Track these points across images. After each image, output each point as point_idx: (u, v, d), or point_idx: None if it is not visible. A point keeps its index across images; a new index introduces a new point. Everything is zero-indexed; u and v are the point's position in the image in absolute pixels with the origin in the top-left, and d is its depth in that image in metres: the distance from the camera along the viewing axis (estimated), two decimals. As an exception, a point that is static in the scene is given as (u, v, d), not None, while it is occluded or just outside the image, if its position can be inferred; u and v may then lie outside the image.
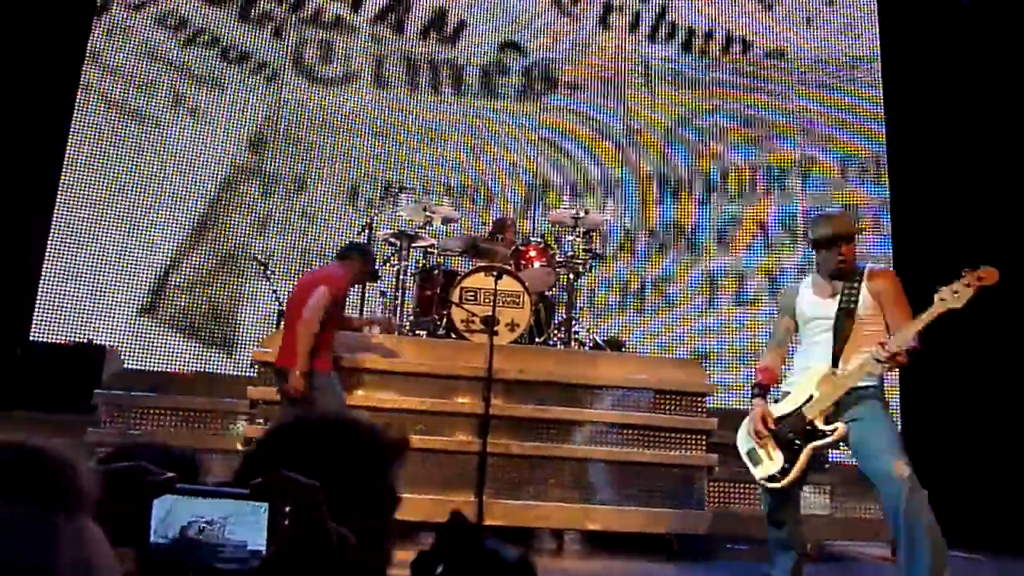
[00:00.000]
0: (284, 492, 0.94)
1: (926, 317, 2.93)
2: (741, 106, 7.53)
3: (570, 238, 5.78)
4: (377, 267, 4.95)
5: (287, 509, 0.93)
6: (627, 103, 7.52)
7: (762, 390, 3.30)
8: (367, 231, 5.83)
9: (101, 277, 6.49)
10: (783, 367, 3.42)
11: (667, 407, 4.84)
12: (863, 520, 5.06)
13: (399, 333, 5.27)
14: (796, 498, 3.24)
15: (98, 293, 6.45)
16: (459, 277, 5.19)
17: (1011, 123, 6.71)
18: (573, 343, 5.48)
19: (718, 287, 7.19)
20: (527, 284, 5.14)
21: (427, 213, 5.44)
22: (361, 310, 5.77)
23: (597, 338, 5.57)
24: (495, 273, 4.82)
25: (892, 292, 3.17)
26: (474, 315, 4.97)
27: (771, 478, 3.11)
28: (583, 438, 4.66)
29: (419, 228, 5.60)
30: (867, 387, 3.09)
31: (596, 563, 4.00)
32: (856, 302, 3.15)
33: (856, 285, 3.18)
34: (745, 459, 3.23)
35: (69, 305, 6.36)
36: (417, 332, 5.35)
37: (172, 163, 6.80)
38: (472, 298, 5.09)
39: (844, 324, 3.14)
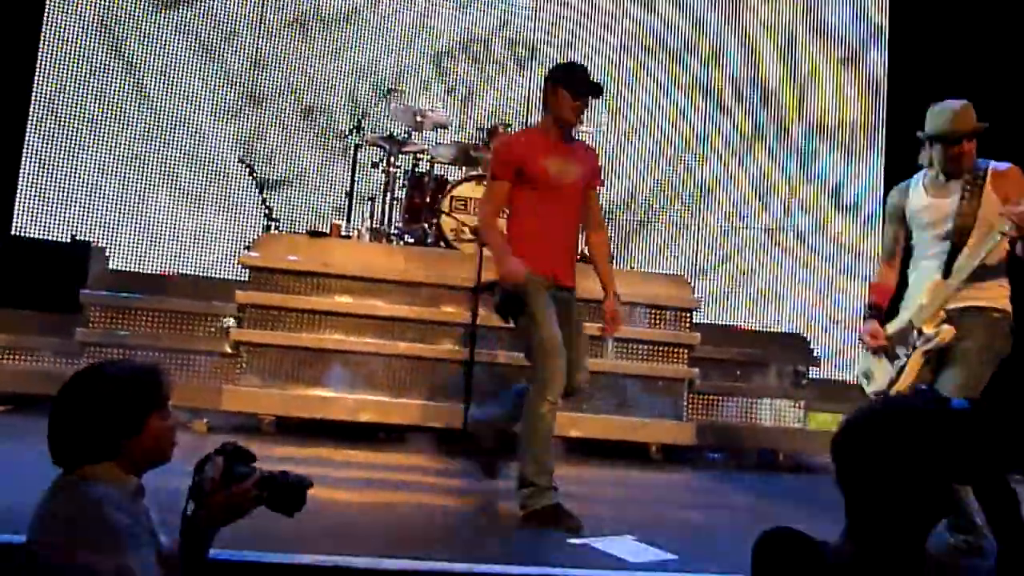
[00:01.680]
0: None
1: None
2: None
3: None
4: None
5: None
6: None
7: (875, 310, 3.18)
8: (355, 132, 5.80)
9: (84, 172, 6.44)
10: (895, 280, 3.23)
11: (654, 321, 5.00)
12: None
13: (387, 240, 5.33)
14: None
15: (81, 189, 6.42)
16: (450, 185, 5.20)
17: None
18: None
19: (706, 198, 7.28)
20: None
21: (418, 118, 5.40)
22: (349, 216, 5.80)
23: (587, 251, 5.60)
24: (484, 182, 4.80)
25: (1021, 187, 2.88)
26: (464, 224, 5.01)
27: (878, 393, 3.05)
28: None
29: (409, 132, 5.56)
30: (986, 308, 2.90)
31: (581, 469, 4.24)
32: (979, 204, 2.90)
33: (980, 184, 2.92)
34: (861, 379, 3.19)
35: (53, 199, 6.33)
36: (406, 239, 5.40)
37: (151, 60, 6.64)
38: (463, 207, 5.12)
39: (964, 230, 2.91)
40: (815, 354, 5.86)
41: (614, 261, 4.58)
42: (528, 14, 7.19)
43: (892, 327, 3.12)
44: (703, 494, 4.22)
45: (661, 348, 4.93)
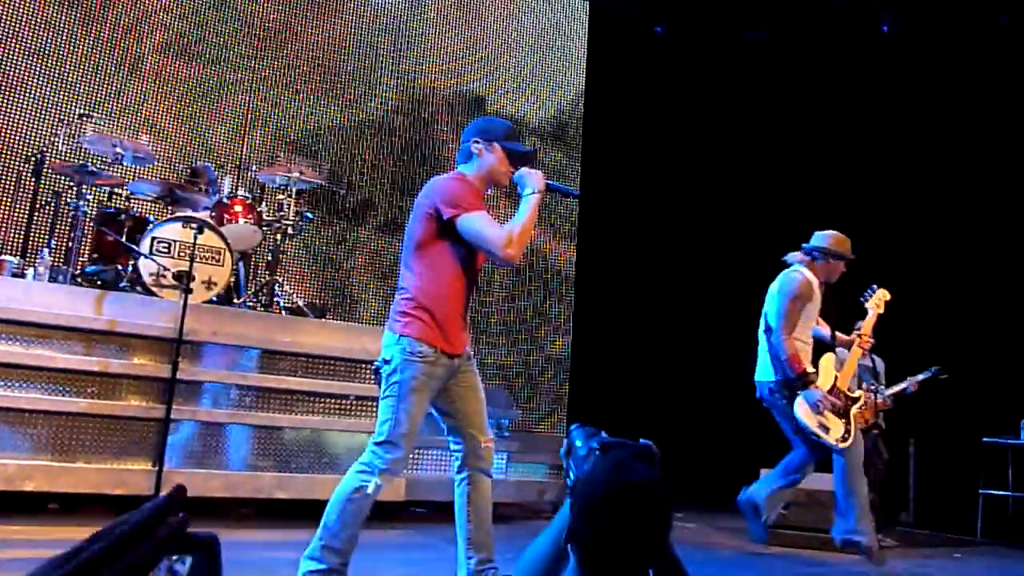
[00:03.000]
0: None
1: (869, 322, 4.55)
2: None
3: (281, 197, 5.74)
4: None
5: None
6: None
7: (813, 377, 4.27)
8: (37, 161, 5.20)
9: None
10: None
11: (363, 375, 5.07)
12: (534, 483, 5.83)
13: (69, 281, 4.82)
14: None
15: None
16: (152, 225, 4.89)
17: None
18: (274, 307, 5.47)
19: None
20: (229, 241, 5.01)
21: (117, 149, 5.00)
22: (24, 251, 5.14)
23: (299, 302, 5.59)
24: (195, 225, 4.62)
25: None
26: (166, 269, 4.74)
27: (842, 439, 4.22)
28: (277, 405, 4.70)
29: (105, 164, 5.14)
30: None
31: (287, 532, 4.12)
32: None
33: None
34: (817, 431, 4.21)
35: None
36: (94, 281, 4.93)
37: None
38: (166, 250, 4.84)
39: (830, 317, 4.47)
40: (514, 406, 6.37)
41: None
42: (237, 37, 7.04)
43: (826, 387, 4.35)
44: (418, 550, 4.31)
45: (364, 402, 4.98)
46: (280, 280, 5.63)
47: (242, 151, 5.94)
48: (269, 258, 5.76)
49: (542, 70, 8.49)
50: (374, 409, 4.95)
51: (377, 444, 2.77)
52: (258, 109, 6.85)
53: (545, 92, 8.46)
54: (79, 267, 4.98)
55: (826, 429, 4.25)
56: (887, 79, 8.26)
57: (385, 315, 7.06)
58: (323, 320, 5.45)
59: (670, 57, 8.93)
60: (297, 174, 5.61)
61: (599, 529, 1.29)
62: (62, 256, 5.08)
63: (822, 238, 4.52)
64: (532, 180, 2.89)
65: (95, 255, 5.00)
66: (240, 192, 5.58)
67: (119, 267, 4.90)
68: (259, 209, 5.54)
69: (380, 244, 7.41)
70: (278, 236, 5.65)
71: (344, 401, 4.93)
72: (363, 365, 5.00)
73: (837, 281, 4.57)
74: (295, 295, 5.68)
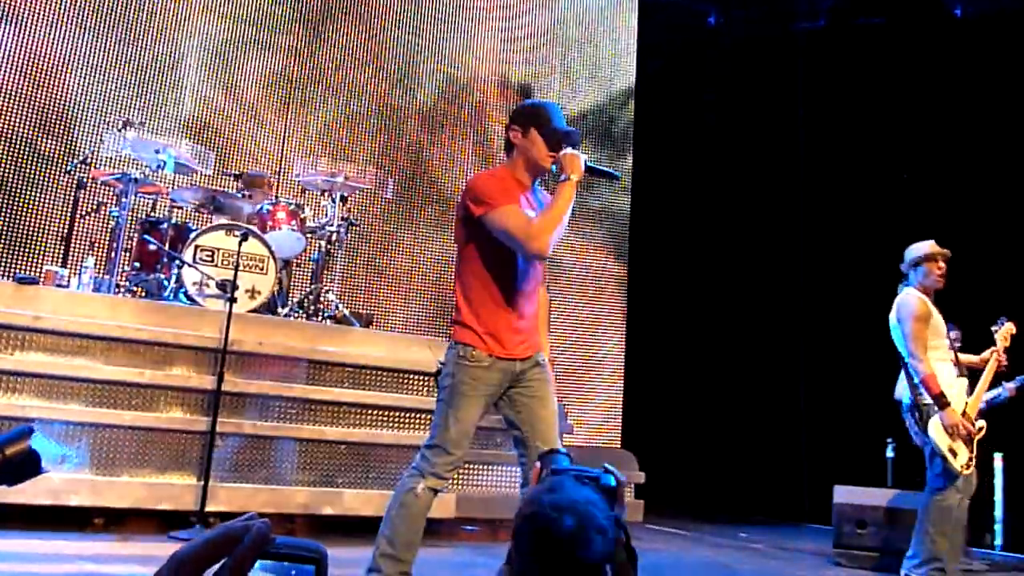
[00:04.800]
0: None
1: (1000, 347, 4.50)
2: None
3: (324, 202, 5.75)
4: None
5: None
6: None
7: (945, 399, 4.21)
8: (80, 169, 5.29)
9: None
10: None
11: (414, 387, 5.04)
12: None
13: (111, 291, 4.89)
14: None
15: None
16: (195, 233, 4.93)
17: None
18: (319, 317, 5.47)
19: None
20: (273, 249, 5.03)
21: (159, 156, 5.06)
22: (65, 261, 5.23)
23: (345, 311, 5.59)
24: (239, 233, 4.64)
25: None
26: (210, 277, 4.77)
27: (967, 464, 4.23)
28: (322, 418, 4.69)
29: (147, 171, 5.22)
30: None
31: (337, 549, 4.08)
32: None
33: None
34: (947, 454, 4.21)
35: None
36: (136, 291, 5.01)
37: None
38: (208, 259, 4.87)
39: (950, 346, 4.38)
40: (568, 420, 6.26)
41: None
42: (293, 50, 7.11)
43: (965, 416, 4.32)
44: (470, 569, 4.25)
45: (412, 414, 4.94)
46: (325, 288, 5.64)
47: (282, 154, 5.97)
48: (313, 266, 5.78)
49: (589, 61, 8.39)
50: (422, 421, 4.96)
51: (426, 447, 2.82)
52: (299, 110, 6.91)
53: (592, 85, 8.35)
54: (121, 276, 5.05)
55: (954, 454, 4.24)
56: (961, 68, 7.96)
57: (432, 323, 7.15)
58: (369, 329, 5.43)
59: (723, 48, 8.77)
60: (341, 178, 5.62)
61: (513, 555, 1.28)
62: (104, 265, 5.12)
63: (907, 253, 4.51)
64: (569, 164, 2.80)
65: (137, 264, 5.06)
66: (284, 198, 5.59)
67: (162, 276, 4.95)
68: (302, 216, 5.56)
69: (428, 248, 7.38)
70: (322, 243, 5.67)
71: (392, 413, 4.90)
72: (411, 376, 4.98)
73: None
74: (340, 303, 5.67)
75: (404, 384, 4.98)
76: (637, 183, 8.07)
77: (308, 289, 5.66)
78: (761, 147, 8.70)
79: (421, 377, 5.00)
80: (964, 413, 4.30)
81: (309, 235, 5.61)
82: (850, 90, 8.33)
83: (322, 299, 5.57)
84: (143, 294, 5.00)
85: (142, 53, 6.48)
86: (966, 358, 4.57)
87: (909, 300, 4.36)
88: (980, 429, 4.35)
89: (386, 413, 4.87)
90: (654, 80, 8.67)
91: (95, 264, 5.09)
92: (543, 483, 1.37)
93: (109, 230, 5.21)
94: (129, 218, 5.16)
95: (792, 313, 8.11)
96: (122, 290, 5.02)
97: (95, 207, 5.32)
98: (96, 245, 5.21)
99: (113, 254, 5.05)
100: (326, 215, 5.69)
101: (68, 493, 4.05)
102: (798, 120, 8.59)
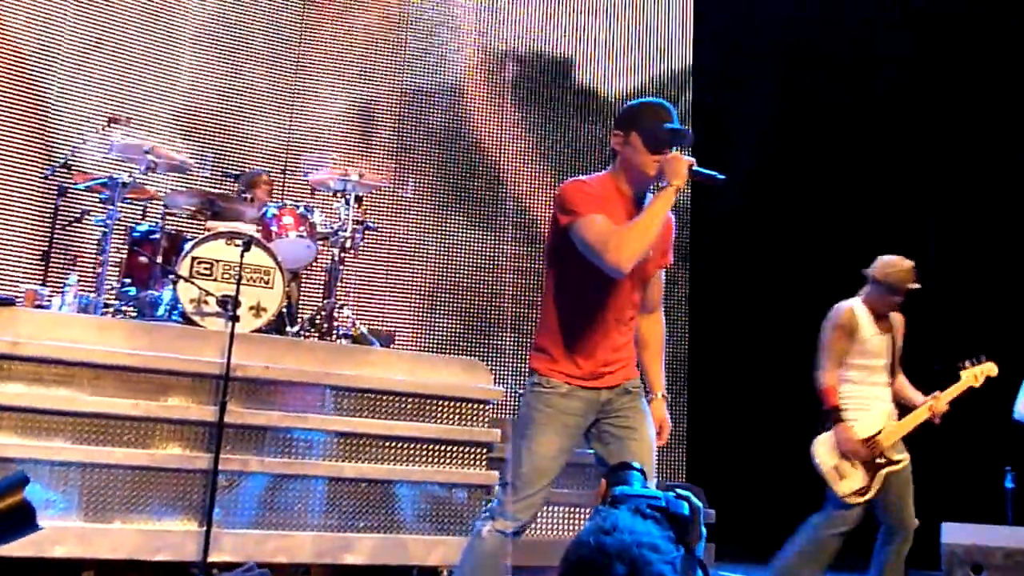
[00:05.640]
0: None
1: (956, 390, 4.41)
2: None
3: (337, 205, 5.77)
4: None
5: None
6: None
7: (838, 413, 4.38)
8: (61, 174, 5.38)
9: None
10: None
11: (443, 415, 5.01)
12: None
13: (98, 311, 4.94)
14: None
15: None
16: (191, 244, 4.96)
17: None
18: (333, 335, 5.49)
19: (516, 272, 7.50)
20: (280, 259, 5.05)
21: (150, 156, 5.11)
22: (46, 276, 5.30)
23: (363, 329, 5.59)
24: (241, 242, 4.65)
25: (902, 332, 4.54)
26: (209, 294, 4.79)
27: (857, 492, 4.31)
28: (338, 452, 4.68)
29: (137, 175, 5.25)
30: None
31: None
32: (896, 345, 4.48)
33: (892, 327, 4.48)
34: (829, 473, 4.36)
35: None
36: (125, 311, 5.07)
37: None
38: (207, 272, 4.90)
39: (892, 364, 4.47)
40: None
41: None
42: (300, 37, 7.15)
43: (862, 434, 4.39)
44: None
45: (453, 448, 4.92)
46: (339, 303, 5.65)
47: (288, 150, 6.01)
48: (326, 277, 5.79)
49: (642, 40, 8.34)
50: (455, 454, 4.93)
51: (499, 485, 2.98)
52: (307, 98, 6.95)
53: (645, 66, 8.30)
54: (110, 294, 5.10)
55: (840, 476, 4.38)
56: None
57: (462, 341, 7.13)
58: (391, 349, 5.42)
59: (787, 30, 8.63)
60: (355, 176, 5.62)
61: None
62: (90, 282, 5.18)
63: (878, 261, 4.57)
64: (669, 168, 2.81)
65: (127, 280, 5.10)
66: (290, 202, 5.62)
67: (155, 293, 4.98)
68: (312, 220, 5.59)
69: (457, 255, 7.38)
70: (335, 251, 5.68)
71: (420, 446, 4.86)
72: (440, 402, 4.94)
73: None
74: (357, 320, 5.68)
75: (431, 411, 4.96)
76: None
77: (320, 304, 5.68)
78: (836, 136, 8.57)
79: (452, 403, 4.98)
80: (873, 438, 4.38)
81: (320, 242, 5.64)
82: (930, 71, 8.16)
83: (336, 315, 5.58)
84: (134, 314, 5.04)
85: (129, 38, 6.57)
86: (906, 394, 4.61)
87: (839, 308, 4.56)
88: (898, 462, 4.39)
89: (412, 446, 4.83)
90: (713, 60, 8.60)
91: (79, 281, 5.16)
92: (596, 517, 1.36)
93: (95, 242, 5.27)
94: (117, 228, 5.21)
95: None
96: (111, 310, 5.08)
97: (78, 216, 5.40)
98: (80, 259, 5.27)
99: (100, 269, 5.11)
100: (339, 219, 5.71)
101: (53, 543, 4.05)
102: (873, 107, 8.43)
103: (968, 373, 4.56)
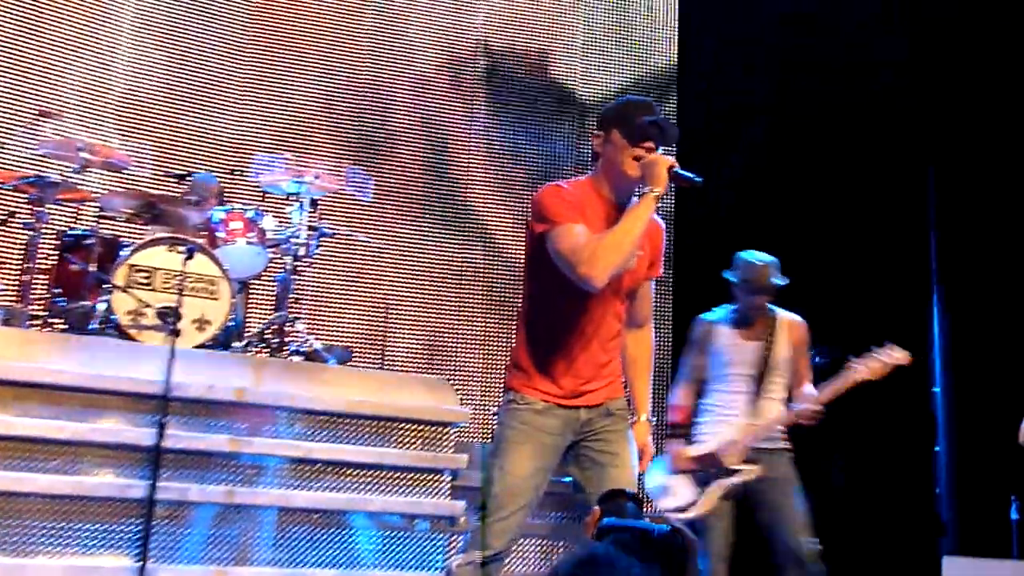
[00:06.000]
0: None
1: (841, 385, 4.07)
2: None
3: (290, 209, 5.79)
4: None
5: None
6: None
7: (681, 430, 4.39)
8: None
9: None
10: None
11: (404, 439, 4.96)
12: None
13: (23, 324, 4.89)
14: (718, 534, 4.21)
15: None
16: (128, 250, 4.93)
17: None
18: (284, 352, 5.48)
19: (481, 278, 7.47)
20: (226, 268, 5.04)
21: (84, 154, 5.06)
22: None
23: (317, 345, 5.58)
24: (184, 248, 4.63)
25: (806, 346, 4.41)
26: (147, 305, 4.74)
27: (678, 509, 4.18)
28: (289, 480, 4.61)
29: (69, 174, 5.20)
30: (783, 449, 4.26)
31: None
32: (776, 352, 4.31)
33: (773, 332, 4.35)
34: (657, 492, 4.31)
35: None
36: (54, 324, 5.02)
37: None
38: (146, 281, 4.88)
39: (764, 373, 4.29)
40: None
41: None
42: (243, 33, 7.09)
43: (696, 451, 4.31)
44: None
45: (415, 475, 4.87)
46: (292, 317, 5.66)
47: (237, 149, 5.99)
48: (277, 288, 5.79)
49: (623, 34, 8.38)
50: (417, 482, 4.88)
51: (472, 514, 3.06)
52: (258, 92, 6.91)
53: (625, 61, 8.34)
54: (38, 305, 5.05)
55: (669, 493, 4.34)
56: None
57: (426, 358, 7.07)
58: (347, 367, 5.40)
59: (773, 22, 8.73)
60: (311, 178, 5.62)
61: None
62: (15, 291, 5.13)
63: (741, 263, 4.49)
64: (650, 172, 2.80)
65: (57, 289, 5.06)
66: (239, 205, 5.62)
67: (87, 304, 4.94)
68: (262, 226, 5.59)
69: (421, 265, 7.37)
70: (288, 259, 5.68)
71: (377, 472, 4.83)
72: (401, 424, 4.91)
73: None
74: (311, 336, 5.67)
75: (392, 435, 4.91)
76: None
77: (271, 317, 5.68)
78: (825, 131, 8.67)
79: (414, 426, 4.95)
80: (712, 453, 4.30)
81: (271, 250, 5.62)
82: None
83: (288, 330, 5.59)
84: (64, 327, 5.00)
85: (61, 23, 6.51)
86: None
87: (693, 321, 4.63)
88: (736, 472, 4.24)
89: (370, 473, 4.79)
90: (700, 55, 8.66)
91: (3, 290, 5.20)
92: (575, 552, 1.40)
93: (21, 247, 5.24)
94: (46, 232, 5.17)
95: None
96: (38, 322, 5.03)
97: (3, 219, 5.34)
98: (4, 266, 5.18)
99: (26, 277, 5.05)
100: (292, 224, 5.71)
101: (-36, 582, 3.97)
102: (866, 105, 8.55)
103: (862, 364, 4.18)
